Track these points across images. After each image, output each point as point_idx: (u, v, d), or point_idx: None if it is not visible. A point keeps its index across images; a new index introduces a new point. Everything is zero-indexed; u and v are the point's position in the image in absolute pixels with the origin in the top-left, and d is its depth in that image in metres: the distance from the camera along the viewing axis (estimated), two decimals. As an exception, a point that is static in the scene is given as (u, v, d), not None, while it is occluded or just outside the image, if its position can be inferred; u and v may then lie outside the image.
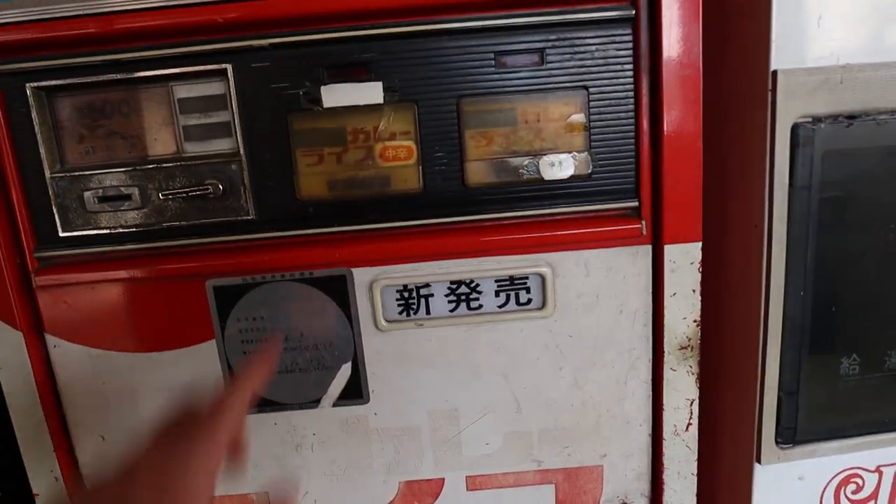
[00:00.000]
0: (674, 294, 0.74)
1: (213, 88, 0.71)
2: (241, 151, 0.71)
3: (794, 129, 0.72)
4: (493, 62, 0.69)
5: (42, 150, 0.71)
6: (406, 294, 0.75)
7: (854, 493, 0.87)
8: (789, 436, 0.81)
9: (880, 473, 0.87)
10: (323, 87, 0.69)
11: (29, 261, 0.73)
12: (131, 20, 0.68)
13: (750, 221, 0.76)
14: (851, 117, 0.72)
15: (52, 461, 0.78)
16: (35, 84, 0.69)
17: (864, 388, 0.83)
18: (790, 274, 0.75)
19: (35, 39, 0.68)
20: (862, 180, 0.74)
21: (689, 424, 0.78)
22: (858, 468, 0.86)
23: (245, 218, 0.72)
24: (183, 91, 0.71)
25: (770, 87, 0.71)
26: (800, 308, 0.77)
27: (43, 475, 0.78)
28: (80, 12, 0.68)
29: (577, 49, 0.69)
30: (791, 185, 0.73)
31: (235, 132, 0.70)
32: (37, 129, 0.70)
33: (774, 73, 0.71)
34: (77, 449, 0.80)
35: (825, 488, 0.86)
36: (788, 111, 0.71)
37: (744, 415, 0.82)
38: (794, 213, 0.74)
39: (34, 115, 0.69)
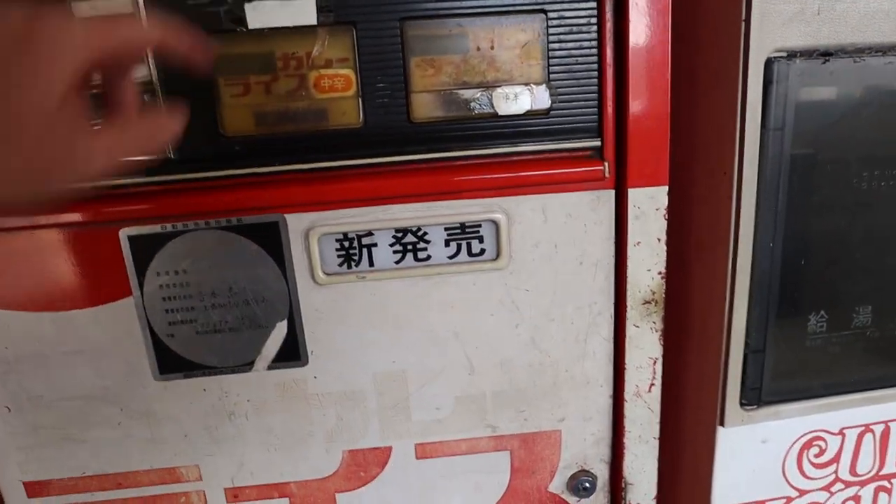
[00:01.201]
0: (637, 243, 0.65)
1: (120, 5, 0.59)
2: (155, 80, 0.59)
3: (768, 63, 0.64)
4: None
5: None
6: (346, 243, 0.64)
7: (817, 455, 0.81)
8: (754, 397, 0.74)
9: (843, 436, 0.81)
10: (247, 5, 0.57)
11: None
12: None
13: (719, 166, 0.68)
14: (827, 53, 0.65)
15: (-52, 434, 0.67)
16: None
17: (831, 347, 0.76)
18: (760, 224, 0.67)
19: None
20: (838, 125, 0.67)
21: (652, 385, 0.70)
22: (822, 430, 0.80)
23: (162, 157, 0.61)
24: (85, 8, 0.59)
25: (744, 16, 0.63)
26: (769, 261, 0.69)
27: (-65, 451, 0.67)
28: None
29: (534, -33, 0.60)
30: (763, 125, 0.66)
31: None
32: None
33: (749, 1, 0.63)
34: (-21, 420, 0.69)
35: (788, 451, 0.79)
36: (762, 43, 0.63)
37: (708, 375, 0.74)
38: (765, 157, 0.66)
39: None
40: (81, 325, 0.65)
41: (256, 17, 0.58)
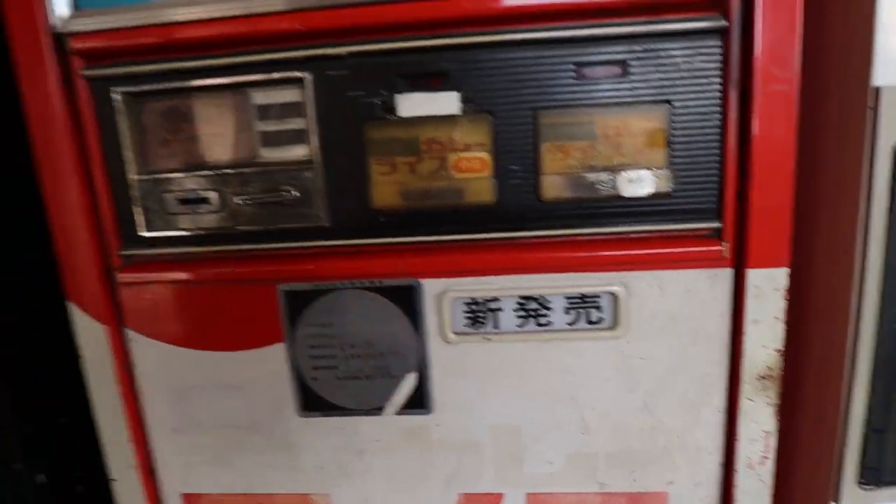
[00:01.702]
0: (755, 321, 0.66)
1: (290, 95, 0.67)
2: (316, 159, 0.67)
3: None
4: (572, 73, 0.63)
5: (127, 153, 0.69)
6: (475, 307, 0.70)
7: None
8: (873, 477, 0.71)
9: None
10: (398, 97, 0.64)
11: (113, 258, 0.73)
12: (212, 28, 0.65)
13: (840, 245, 0.68)
14: None
15: (129, 450, 0.77)
16: (122, 89, 0.68)
17: None
18: (884, 302, 0.66)
19: (122, 46, 0.66)
20: None
21: (765, 458, 0.69)
22: None
23: (318, 225, 0.68)
24: (260, 97, 0.68)
25: (871, 104, 0.63)
26: (893, 339, 0.68)
27: (120, 463, 0.77)
28: (160, 20, 0.66)
29: (661, 61, 0.62)
30: (890, 208, 0.65)
31: (311, 139, 0.67)
32: (122, 132, 0.69)
33: (877, 89, 0.62)
34: (151, 439, 0.79)
35: None
36: (891, 130, 0.63)
37: (822, 450, 0.73)
38: (892, 238, 0.65)
39: (120, 119, 0.68)
40: (240, 364, 0.74)
41: (407, 107, 0.65)
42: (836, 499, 0.72)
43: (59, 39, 0.66)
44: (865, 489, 0.71)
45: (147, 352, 0.75)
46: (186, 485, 0.79)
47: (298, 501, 0.78)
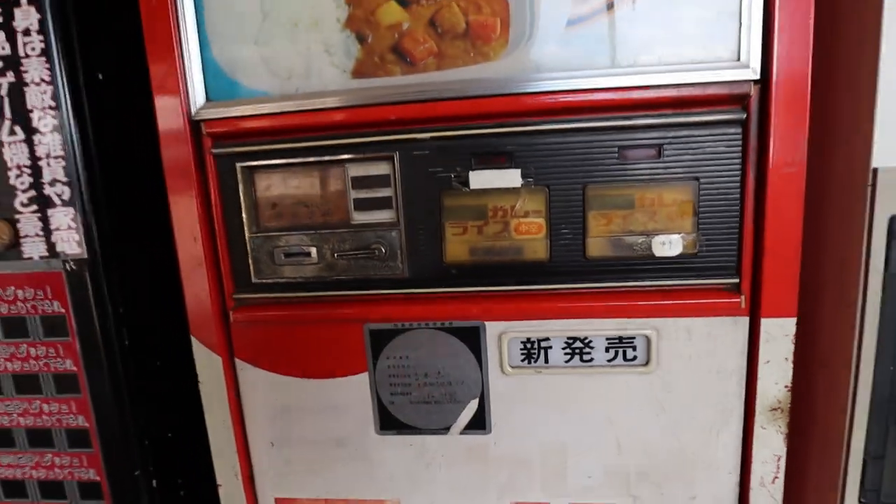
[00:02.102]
0: (767, 361, 0.77)
1: (380, 168, 0.80)
2: (400, 221, 0.80)
3: (892, 221, 0.74)
4: (615, 154, 0.76)
5: (244, 215, 0.83)
6: (529, 345, 0.82)
7: None
8: (873, 498, 0.82)
9: None
10: (471, 172, 0.77)
11: (228, 301, 0.87)
12: (318, 116, 0.78)
13: (844, 300, 0.78)
14: None
15: (234, 460, 0.90)
16: (243, 163, 0.82)
17: None
18: (881, 350, 0.76)
19: (243, 130, 0.81)
20: None
21: (776, 478, 0.80)
22: None
23: (399, 276, 0.82)
24: (355, 170, 0.81)
25: (870, 182, 0.74)
26: (888, 381, 0.78)
27: (227, 471, 0.91)
28: (275, 111, 0.80)
29: (691, 145, 0.74)
30: (886, 270, 0.75)
31: (397, 206, 0.80)
32: (241, 198, 0.83)
33: (875, 170, 0.73)
34: (252, 451, 0.92)
35: None
36: (886, 205, 0.73)
37: (828, 474, 0.83)
38: (887, 296, 0.75)
39: (240, 187, 0.82)
40: (329, 390, 0.87)
41: (477, 181, 0.77)
42: (841, 516, 0.82)
43: (195, 125, 0.81)
44: (866, 508, 0.82)
45: (252, 378, 0.88)
46: (280, 490, 0.93)
47: (374, 506, 0.91)
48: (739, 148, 0.73)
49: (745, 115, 0.72)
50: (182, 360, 0.97)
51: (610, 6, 0.72)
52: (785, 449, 0.79)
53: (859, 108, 0.73)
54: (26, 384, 0.94)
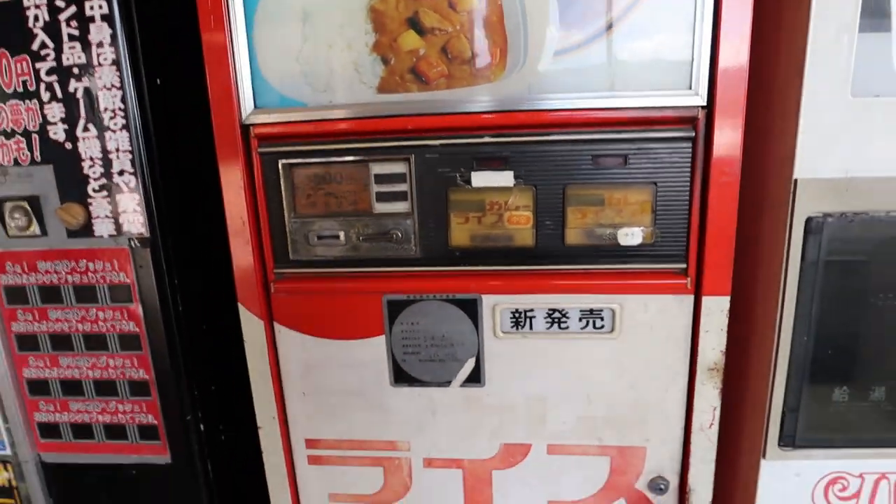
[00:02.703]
0: (707, 331, 0.94)
1: (398, 168, 0.96)
2: (414, 212, 0.97)
3: (807, 221, 0.91)
4: (590, 161, 0.91)
5: (284, 203, 0.99)
6: (517, 315, 0.99)
7: (840, 491, 1.04)
8: (789, 441, 1.00)
9: (862, 478, 1.02)
10: (473, 173, 0.93)
11: (269, 274, 1.03)
12: (349, 124, 0.94)
13: (771, 282, 0.95)
14: (855, 215, 0.90)
15: (272, 407, 1.07)
16: (284, 161, 0.97)
17: (851, 413, 1.00)
18: (797, 323, 0.94)
19: (285, 133, 0.96)
20: (855, 261, 0.92)
21: (712, 424, 0.98)
22: (845, 472, 1.02)
23: (413, 256, 0.98)
24: (377, 168, 0.97)
25: (792, 191, 0.90)
26: (803, 349, 0.96)
27: (266, 416, 1.08)
28: (312, 118, 0.95)
29: (650, 156, 0.90)
30: (802, 260, 0.92)
31: (411, 199, 0.96)
32: (282, 189, 0.98)
33: (795, 180, 0.90)
34: (286, 400, 1.09)
35: (816, 485, 1.03)
36: (803, 208, 0.90)
37: (756, 421, 1.01)
38: (804, 281, 0.93)
39: (281, 180, 0.98)
40: (352, 349, 1.04)
41: (478, 180, 0.93)
42: (764, 455, 1.00)
43: (245, 128, 0.96)
44: (784, 449, 1.00)
45: (288, 339, 1.05)
46: (309, 432, 1.10)
47: (387, 445, 1.08)
48: (689, 159, 0.89)
49: (693, 134, 0.88)
50: (222, 325, 1.14)
51: (589, 41, 0.88)
52: (720, 401, 0.97)
53: (785, 131, 0.90)
54: (95, 342, 1.11)
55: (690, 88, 0.87)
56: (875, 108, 0.86)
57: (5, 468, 1.22)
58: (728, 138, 0.87)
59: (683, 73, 0.87)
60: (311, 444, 1.11)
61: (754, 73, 0.88)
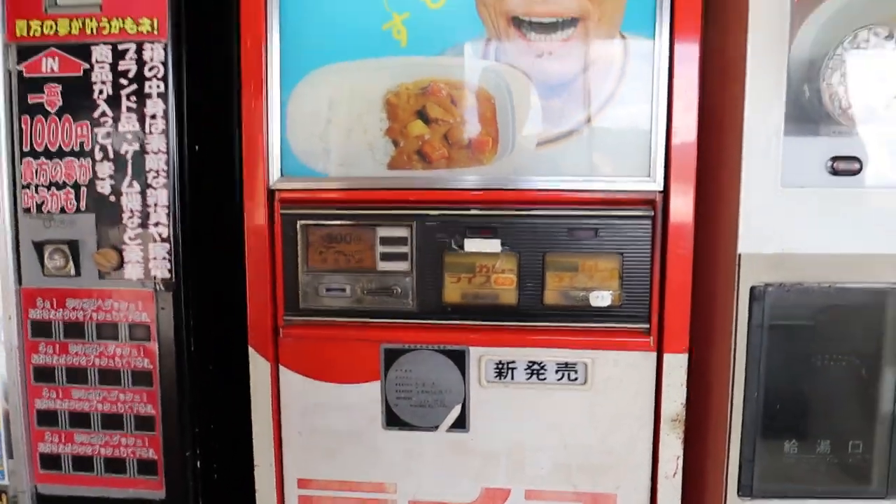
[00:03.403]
0: (668, 385, 1.05)
1: (401, 232, 1.09)
2: (413, 271, 1.09)
3: (752, 290, 1.04)
4: (567, 233, 1.06)
5: (298, 258, 1.11)
6: (500, 366, 1.09)
7: None
8: (747, 490, 1.08)
9: None
10: (465, 240, 1.07)
11: (280, 320, 1.13)
12: (359, 194, 1.09)
13: (725, 344, 1.07)
14: (792, 285, 1.04)
15: (270, 444, 1.14)
16: (302, 222, 1.10)
17: (802, 465, 1.09)
18: (748, 380, 1.05)
19: (305, 198, 1.10)
20: (795, 324, 1.05)
21: (675, 472, 1.07)
22: None
23: (410, 310, 1.09)
24: (383, 232, 1.10)
25: (737, 263, 1.04)
26: (754, 403, 1.06)
27: (263, 454, 1.14)
28: (331, 187, 1.10)
29: (617, 230, 1.05)
30: (749, 322, 1.05)
31: (411, 259, 1.09)
32: (298, 246, 1.11)
33: (740, 255, 1.04)
34: (283, 439, 1.16)
35: None
36: (747, 278, 1.04)
37: (717, 471, 1.09)
38: (751, 342, 1.05)
39: (298, 238, 1.10)
40: (348, 392, 1.13)
41: (470, 246, 1.07)
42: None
43: (271, 192, 1.10)
44: (743, 499, 1.08)
45: (291, 380, 1.13)
46: (302, 471, 1.16)
47: (376, 487, 1.14)
48: (649, 234, 1.04)
49: (652, 213, 1.04)
50: (227, 367, 1.22)
51: (567, 135, 1.05)
52: (682, 450, 1.06)
53: (730, 213, 1.05)
54: (109, 376, 1.18)
55: (649, 176, 1.03)
56: (802, 196, 1.02)
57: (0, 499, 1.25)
58: (681, 218, 1.02)
59: (643, 162, 1.04)
60: (303, 483, 1.16)
61: (704, 164, 1.05)
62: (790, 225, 1.02)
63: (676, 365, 1.04)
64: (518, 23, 1.05)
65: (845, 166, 1.02)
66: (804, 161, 1.04)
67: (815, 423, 1.09)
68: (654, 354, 1.06)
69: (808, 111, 1.03)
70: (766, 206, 1.01)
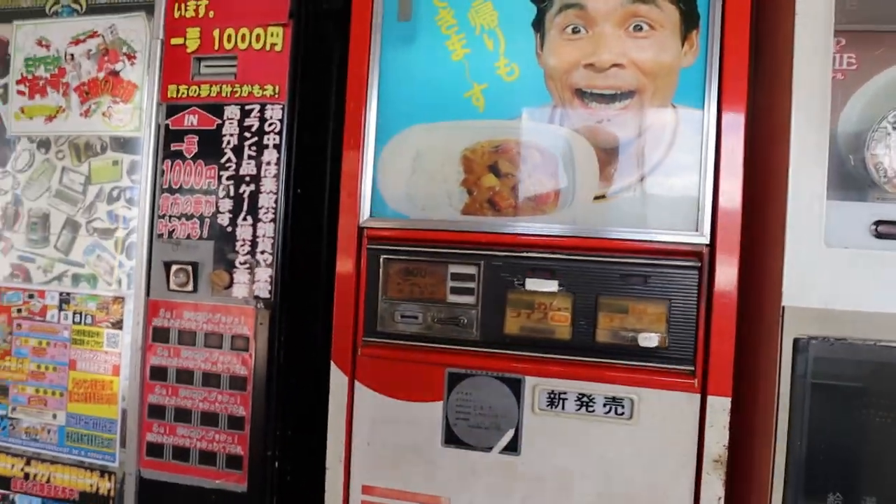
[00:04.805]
0: (711, 426, 1.10)
1: (470, 270, 1.22)
2: (479, 304, 1.22)
3: (796, 342, 1.09)
4: (619, 279, 1.16)
5: (379, 287, 1.27)
6: (552, 396, 1.18)
7: None
8: (789, 538, 1.10)
9: None
10: (527, 279, 1.19)
11: (359, 341, 1.28)
12: (434, 234, 1.23)
13: (768, 391, 1.12)
14: (836, 340, 1.08)
15: (341, 450, 1.26)
16: (385, 256, 1.26)
17: None
18: (791, 431, 1.09)
19: (389, 236, 1.26)
20: (839, 376, 1.09)
21: (718, 513, 1.10)
22: None
23: (473, 339, 1.21)
24: (454, 269, 1.24)
25: (781, 315, 1.10)
26: (797, 454, 1.09)
27: (335, 458, 1.27)
28: (411, 227, 1.25)
29: (666, 278, 1.14)
30: (792, 373, 1.09)
31: (478, 294, 1.21)
32: (379, 277, 1.26)
33: (783, 307, 1.10)
34: (353, 447, 1.28)
35: None
36: (791, 331, 1.09)
37: (757, 516, 1.12)
38: (795, 393, 1.09)
39: (380, 270, 1.26)
40: (414, 409, 1.24)
41: (531, 285, 1.18)
42: (766, 550, 1.10)
43: (361, 229, 1.27)
44: (785, 545, 1.09)
45: (364, 395, 1.26)
46: (367, 479, 1.27)
47: (431, 500, 1.23)
48: (696, 284, 1.12)
49: (699, 264, 1.12)
50: (308, 380, 1.37)
51: (622, 191, 1.16)
52: (723, 491, 1.09)
53: (775, 268, 1.11)
54: (211, 379, 1.36)
55: (697, 230, 1.12)
56: (846, 256, 1.07)
57: (109, 479, 1.43)
58: (726, 271, 1.10)
59: (692, 218, 1.13)
60: (366, 490, 1.27)
61: (752, 221, 1.13)
62: (834, 282, 1.07)
63: (720, 408, 1.10)
64: (581, 94, 1.20)
65: (887, 230, 1.08)
66: (849, 223, 1.10)
67: (859, 479, 1.10)
68: (698, 396, 1.12)
69: (855, 178, 1.10)
70: (810, 263, 1.07)
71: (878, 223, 1.08)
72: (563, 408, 1.17)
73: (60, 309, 1.47)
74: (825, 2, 1.08)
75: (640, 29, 1.18)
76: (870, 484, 1.10)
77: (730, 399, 1.09)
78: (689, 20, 1.16)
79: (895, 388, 1.08)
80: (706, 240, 1.12)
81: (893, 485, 1.09)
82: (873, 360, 1.08)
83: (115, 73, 1.45)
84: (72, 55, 1.48)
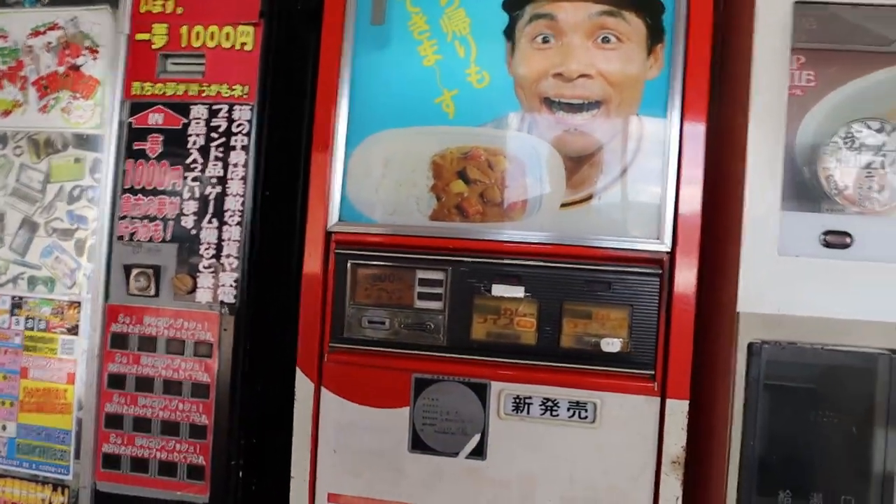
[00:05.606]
0: (670, 428, 1.13)
1: (437, 275, 1.22)
2: (446, 310, 1.22)
3: (750, 346, 1.13)
4: (583, 285, 1.18)
5: (346, 293, 1.25)
6: (517, 401, 1.19)
7: None
8: (745, 536, 1.14)
9: None
10: (493, 285, 1.19)
11: (325, 346, 1.26)
12: (400, 239, 1.23)
13: (723, 394, 1.16)
14: (787, 344, 1.13)
15: (307, 459, 1.24)
16: (353, 261, 1.25)
17: None
18: (745, 431, 1.13)
19: (356, 241, 1.25)
20: (790, 378, 1.13)
21: (677, 513, 1.14)
22: None
23: (440, 344, 1.21)
24: (421, 274, 1.24)
25: (736, 321, 1.14)
26: (751, 453, 1.13)
27: (300, 466, 1.24)
28: (380, 232, 1.25)
29: (628, 285, 1.16)
30: (747, 377, 1.14)
31: (444, 300, 1.21)
32: (347, 281, 1.25)
33: (738, 313, 1.14)
34: (318, 455, 1.26)
35: None
36: (746, 335, 1.13)
37: (713, 514, 1.16)
38: (749, 395, 1.13)
39: (347, 275, 1.25)
40: (380, 416, 1.23)
41: (497, 291, 1.19)
42: (721, 549, 1.13)
43: (329, 234, 1.26)
44: (741, 539, 1.13)
45: (330, 401, 1.25)
46: (333, 486, 1.25)
47: (398, 506, 1.23)
48: (657, 290, 1.15)
49: (660, 271, 1.15)
50: (273, 388, 1.35)
51: (587, 199, 1.19)
52: (681, 491, 1.13)
53: (731, 275, 1.16)
54: (173, 387, 1.32)
55: (658, 238, 1.15)
56: (797, 264, 1.11)
57: (63, 493, 1.37)
58: (685, 277, 1.14)
59: (654, 226, 1.16)
60: (332, 497, 1.25)
61: (710, 229, 1.17)
62: (786, 289, 1.12)
63: (678, 410, 1.13)
64: (549, 103, 1.22)
65: (836, 240, 1.13)
66: (801, 233, 1.14)
67: (808, 477, 1.15)
68: (657, 399, 1.14)
69: (809, 189, 1.15)
70: (763, 271, 1.12)
71: (826, 233, 1.14)
72: (528, 412, 1.19)
73: (12, 314, 1.41)
74: (782, 20, 1.13)
75: (608, 41, 1.21)
76: (818, 481, 1.15)
77: (687, 402, 1.13)
78: (655, 34, 1.20)
79: (842, 389, 1.14)
80: (667, 248, 1.15)
81: (839, 481, 1.14)
82: (822, 363, 1.13)
83: (76, 68, 1.40)
84: (30, 47, 1.42)
